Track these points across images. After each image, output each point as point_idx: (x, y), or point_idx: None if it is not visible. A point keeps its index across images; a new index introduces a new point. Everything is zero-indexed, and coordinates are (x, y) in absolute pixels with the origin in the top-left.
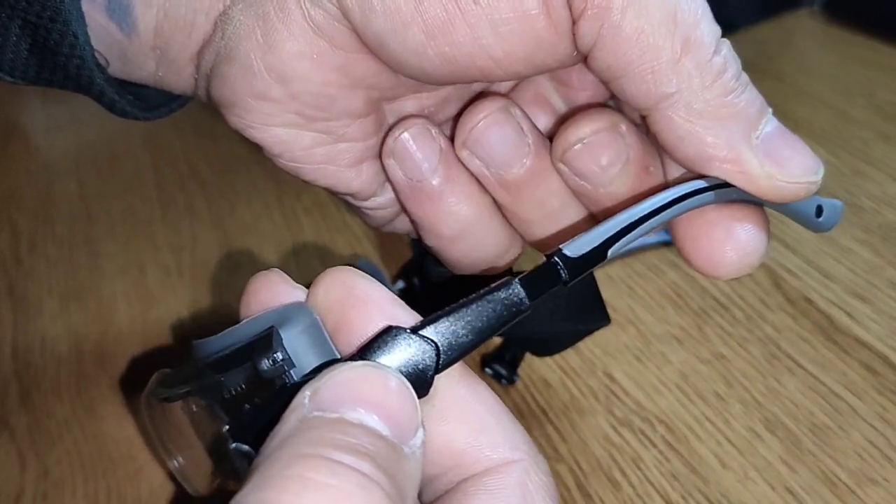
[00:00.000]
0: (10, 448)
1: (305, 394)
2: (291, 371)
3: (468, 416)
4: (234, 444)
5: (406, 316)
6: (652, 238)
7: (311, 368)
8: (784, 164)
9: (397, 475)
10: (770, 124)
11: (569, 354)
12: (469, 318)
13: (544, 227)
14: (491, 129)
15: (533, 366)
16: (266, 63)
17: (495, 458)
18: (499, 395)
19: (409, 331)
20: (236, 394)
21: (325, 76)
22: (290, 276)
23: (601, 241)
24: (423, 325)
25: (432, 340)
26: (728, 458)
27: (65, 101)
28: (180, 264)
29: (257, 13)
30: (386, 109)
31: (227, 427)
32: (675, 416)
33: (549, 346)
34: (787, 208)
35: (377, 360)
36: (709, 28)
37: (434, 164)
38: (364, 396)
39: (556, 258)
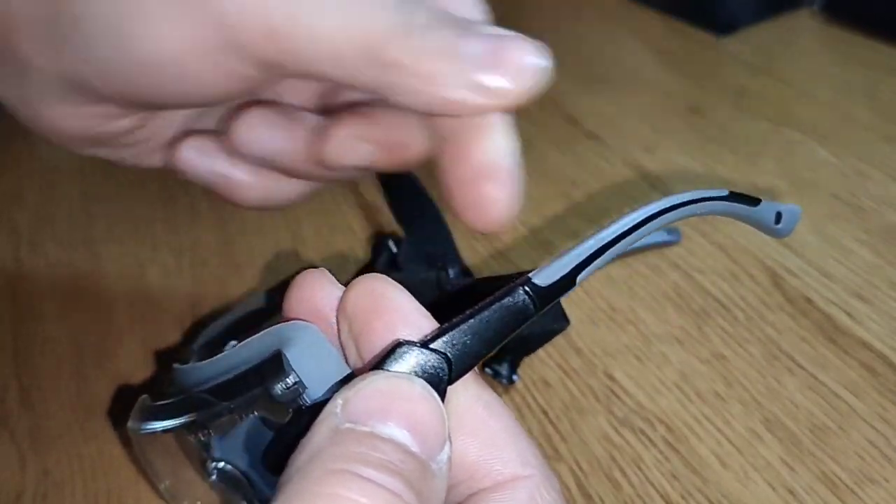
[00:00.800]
0: (10, 448)
1: (337, 403)
2: (304, 394)
3: (481, 430)
4: (222, 465)
5: (428, 325)
6: (654, 238)
7: (326, 388)
8: (501, 70)
9: (424, 491)
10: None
11: (569, 354)
12: (477, 328)
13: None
14: (261, 130)
15: (533, 366)
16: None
17: (506, 473)
18: (499, 395)
19: (419, 344)
20: (242, 419)
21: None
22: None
23: (570, 268)
24: (432, 339)
25: (443, 353)
26: (728, 457)
27: None
28: (181, 265)
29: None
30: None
31: (231, 450)
32: (675, 415)
33: (520, 349)
34: (748, 217)
35: (390, 367)
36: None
37: (223, 168)
38: (394, 409)
39: (526, 288)
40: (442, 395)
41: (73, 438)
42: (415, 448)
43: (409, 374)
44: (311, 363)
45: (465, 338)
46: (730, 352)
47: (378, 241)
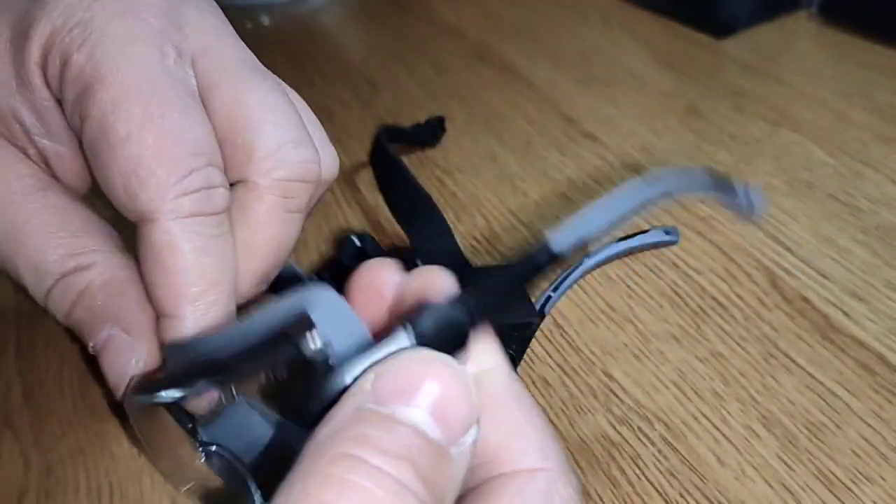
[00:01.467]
0: (14, 446)
1: (369, 378)
2: (332, 355)
3: (507, 418)
4: (213, 447)
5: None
6: (652, 238)
7: (346, 347)
8: None
9: (436, 479)
10: None
11: (568, 353)
12: (493, 280)
13: None
14: None
15: (532, 365)
16: None
17: (525, 463)
18: None
19: (443, 302)
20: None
21: None
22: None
23: (581, 234)
24: (454, 299)
25: (466, 299)
26: (725, 455)
27: None
28: None
29: None
30: None
31: (221, 434)
32: (674, 413)
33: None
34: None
35: (415, 322)
36: None
37: None
38: (422, 391)
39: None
40: (466, 336)
41: (77, 436)
42: (434, 433)
43: (446, 355)
44: (336, 324)
45: (485, 290)
46: (727, 350)
47: (342, 238)
